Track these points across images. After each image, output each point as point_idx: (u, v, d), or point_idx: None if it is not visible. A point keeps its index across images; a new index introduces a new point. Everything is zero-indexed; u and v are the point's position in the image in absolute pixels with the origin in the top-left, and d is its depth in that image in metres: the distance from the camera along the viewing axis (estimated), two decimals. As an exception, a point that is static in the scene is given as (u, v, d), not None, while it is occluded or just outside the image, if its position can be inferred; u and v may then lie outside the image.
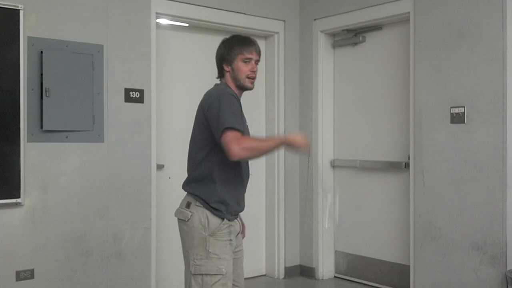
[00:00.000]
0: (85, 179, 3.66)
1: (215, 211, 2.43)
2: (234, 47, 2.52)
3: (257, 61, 2.56)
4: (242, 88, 2.56)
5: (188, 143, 2.73)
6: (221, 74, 2.59)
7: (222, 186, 2.45)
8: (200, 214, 2.42)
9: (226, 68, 2.55)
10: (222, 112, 2.34)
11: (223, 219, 2.44)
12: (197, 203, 2.44)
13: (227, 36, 2.65)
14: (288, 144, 2.43)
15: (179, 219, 2.51)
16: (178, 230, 2.54)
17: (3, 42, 3.32)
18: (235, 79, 2.53)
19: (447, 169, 3.74)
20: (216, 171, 2.44)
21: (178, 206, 2.54)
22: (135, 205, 3.87)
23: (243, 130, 2.36)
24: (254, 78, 2.55)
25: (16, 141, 3.35)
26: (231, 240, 2.48)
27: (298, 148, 2.43)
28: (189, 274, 2.44)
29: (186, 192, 2.54)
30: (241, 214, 2.63)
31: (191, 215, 2.43)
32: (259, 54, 2.58)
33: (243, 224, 2.69)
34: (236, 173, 2.51)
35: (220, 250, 2.41)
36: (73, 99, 3.56)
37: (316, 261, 4.73)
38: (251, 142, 2.37)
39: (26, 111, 3.39)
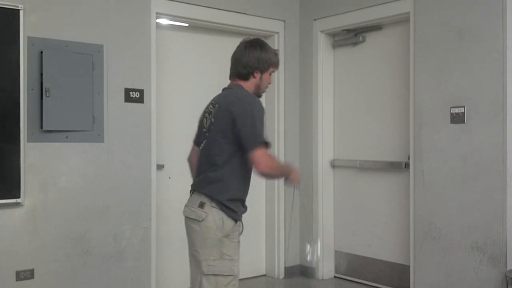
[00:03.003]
0: (85, 179, 3.66)
1: (231, 213, 2.45)
2: (271, 59, 2.59)
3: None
4: (257, 95, 2.60)
5: (189, 142, 2.74)
6: (245, 77, 2.57)
7: (240, 189, 2.51)
8: (216, 216, 2.43)
9: (256, 74, 2.57)
10: (256, 125, 2.41)
11: (236, 221, 2.48)
12: (213, 204, 2.44)
13: (251, 38, 2.66)
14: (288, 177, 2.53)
15: (189, 218, 2.49)
16: (185, 229, 2.53)
17: (3, 42, 3.32)
18: (257, 87, 2.59)
19: (447, 169, 3.74)
20: (235, 174, 2.47)
21: (187, 205, 2.53)
22: (135, 205, 3.87)
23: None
24: None
25: (16, 141, 3.35)
26: (239, 241, 2.53)
27: (292, 181, 2.52)
28: (199, 274, 2.44)
29: (194, 191, 2.53)
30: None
31: (205, 216, 2.43)
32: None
33: None
34: (249, 176, 2.55)
35: (232, 251, 2.46)
36: (73, 99, 3.55)
37: (316, 261, 4.73)
38: (276, 163, 2.57)
39: (26, 111, 3.39)
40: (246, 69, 2.56)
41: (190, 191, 2.58)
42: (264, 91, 2.65)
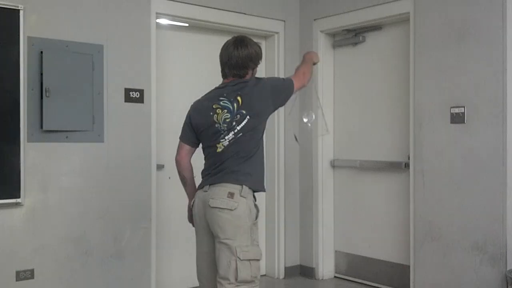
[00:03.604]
0: (85, 179, 3.66)
1: (254, 201, 2.69)
2: (259, 53, 2.79)
3: None
4: None
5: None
6: (243, 72, 2.73)
7: (262, 178, 2.80)
8: (245, 204, 2.62)
9: (250, 71, 2.76)
10: (279, 82, 2.87)
11: (258, 209, 2.71)
12: (242, 194, 2.61)
13: (239, 36, 2.80)
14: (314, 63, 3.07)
15: (219, 208, 2.60)
16: (208, 219, 2.65)
17: (3, 42, 3.32)
18: None
19: (447, 169, 3.74)
20: (260, 165, 2.75)
21: (212, 196, 2.63)
22: (135, 205, 3.87)
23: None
24: None
25: (16, 141, 3.35)
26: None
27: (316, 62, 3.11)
28: (233, 260, 2.57)
29: (212, 184, 2.67)
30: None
31: (237, 205, 2.59)
32: None
33: None
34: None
35: (257, 236, 2.69)
36: (73, 99, 3.55)
37: (316, 261, 4.74)
38: (305, 72, 2.98)
39: (26, 111, 3.39)
40: (243, 68, 2.72)
41: (205, 185, 2.69)
42: None
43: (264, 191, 2.83)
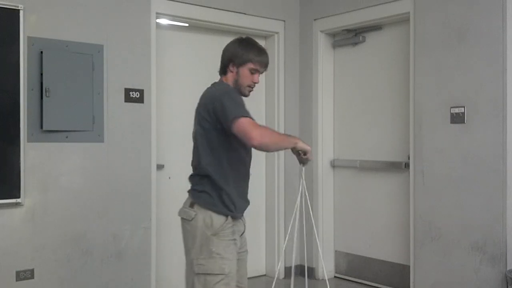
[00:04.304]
0: (85, 179, 3.66)
1: (220, 210, 2.42)
2: (249, 53, 2.49)
3: (261, 73, 2.56)
4: (239, 93, 2.51)
5: (189, 142, 2.73)
6: (224, 71, 2.55)
7: (229, 184, 2.44)
8: (204, 214, 2.41)
9: (232, 68, 2.51)
10: (228, 105, 2.32)
11: (227, 217, 2.43)
12: (202, 206, 2.43)
13: (243, 36, 2.62)
14: (298, 150, 2.46)
15: (182, 219, 2.49)
16: (181, 230, 2.53)
17: (3, 42, 3.32)
18: (236, 83, 2.51)
19: (447, 169, 3.74)
20: (222, 170, 2.43)
21: (181, 206, 2.53)
22: (135, 205, 3.87)
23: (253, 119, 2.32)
24: (253, 88, 2.55)
25: (16, 141, 3.35)
26: (235, 239, 2.47)
27: (304, 158, 2.47)
28: (192, 274, 2.42)
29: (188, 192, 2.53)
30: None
31: (195, 215, 2.42)
32: (267, 67, 2.57)
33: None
34: (241, 169, 2.51)
35: (223, 249, 2.39)
36: (73, 99, 3.55)
37: (316, 261, 4.73)
38: (268, 129, 2.42)
39: (26, 111, 3.39)
40: (223, 62, 2.55)
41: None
42: (247, 90, 2.53)
43: (226, 208, 2.44)
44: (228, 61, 2.52)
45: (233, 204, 2.45)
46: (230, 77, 2.52)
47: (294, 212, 2.61)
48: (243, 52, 2.49)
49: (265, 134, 2.30)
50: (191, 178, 2.53)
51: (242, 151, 2.48)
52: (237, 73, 2.50)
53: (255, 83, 2.54)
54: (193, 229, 2.42)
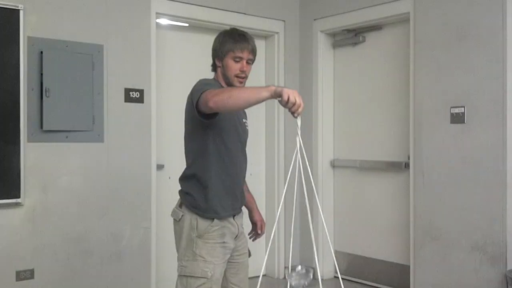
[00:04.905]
0: (85, 179, 3.67)
1: (203, 213, 2.35)
2: (226, 43, 2.42)
3: (250, 60, 2.44)
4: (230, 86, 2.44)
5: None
6: (214, 68, 2.52)
7: (217, 185, 2.37)
8: (190, 215, 2.36)
9: (218, 63, 2.47)
10: (194, 91, 2.31)
11: (213, 219, 2.35)
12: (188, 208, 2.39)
13: (227, 28, 2.55)
14: (278, 97, 2.03)
15: (173, 219, 2.47)
16: None
17: (3, 42, 3.32)
18: (225, 76, 2.45)
19: (447, 169, 3.74)
20: (205, 163, 2.36)
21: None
22: (135, 205, 3.87)
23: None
24: (243, 78, 2.44)
25: (16, 141, 3.35)
26: (224, 242, 2.38)
27: (287, 104, 2.02)
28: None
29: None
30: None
31: (182, 216, 2.39)
32: (252, 53, 2.44)
33: (262, 220, 2.77)
34: (226, 159, 2.40)
35: (207, 252, 2.32)
36: (73, 99, 3.55)
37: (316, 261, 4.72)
38: (225, 89, 2.31)
39: (26, 111, 3.39)
40: (212, 60, 2.52)
41: None
42: (237, 81, 2.42)
43: (213, 211, 2.36)
44: (213, 57, 2.49)
45: (219, 205, 2.37)
46: (219, 73, 2.48)
47: (294, 213, 2.59)
48: (221, 44, 2.43)
49: (221, 91, 2.16)
50: (179, 179, 2.50)
51: (226, 138, 2.39)
52: (223, 66, 2.44)
53: (243, 71, 2.42)
54: (180, 230, 2.39)
